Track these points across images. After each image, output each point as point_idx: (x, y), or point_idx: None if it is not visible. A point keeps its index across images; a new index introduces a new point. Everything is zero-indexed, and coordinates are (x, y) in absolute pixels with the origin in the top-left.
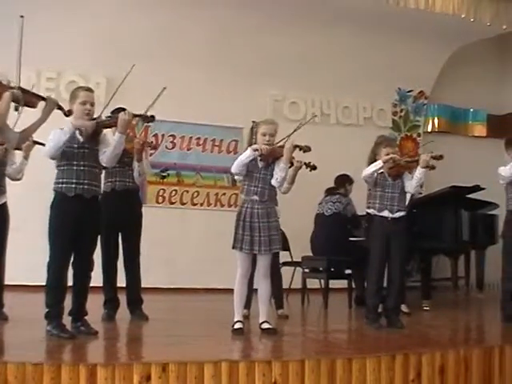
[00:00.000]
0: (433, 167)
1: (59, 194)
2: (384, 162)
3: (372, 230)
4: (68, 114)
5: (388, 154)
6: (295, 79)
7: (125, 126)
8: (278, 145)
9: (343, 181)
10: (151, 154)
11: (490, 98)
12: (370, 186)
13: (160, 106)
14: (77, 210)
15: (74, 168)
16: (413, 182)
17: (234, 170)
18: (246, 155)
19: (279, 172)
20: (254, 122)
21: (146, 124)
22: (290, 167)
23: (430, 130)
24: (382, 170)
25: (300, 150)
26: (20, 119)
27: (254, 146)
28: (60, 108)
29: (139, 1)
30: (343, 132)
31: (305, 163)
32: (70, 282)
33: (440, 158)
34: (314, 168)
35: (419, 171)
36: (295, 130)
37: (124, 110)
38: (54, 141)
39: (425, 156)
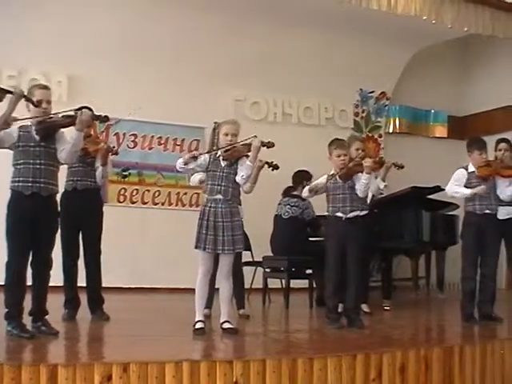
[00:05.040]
0: (401, 166)
1: (16, 192)
2: (310, 191)
3: (327, 230)
4: (37, 104)
5: (339, 156)
6: (257, 79)
7: (83, 124)
8: (242, 143)
9: (301, 179)
10: (112, 155)
11: (450, 99)
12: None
13: (122, 105)
14: (33, 209)
15: (31, 166)
16: (360, 187)
17: (177, 167)
18: (180, 162)
19: (245, 170)
20: (215, 122)
21: (106, 124)
22: None
23: (391, 130)
24: (332, 172)
25: (264, 146)
26: None
27: (192, 155)
28: (28, 99)
29: None
30: (305, 132)
31: (267, 162)
32: (29, 282)
33: (383, 162)
34: (276, 167)
35: (364, 177)
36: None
37: (89, 109)
38: None
39: (368, 162)
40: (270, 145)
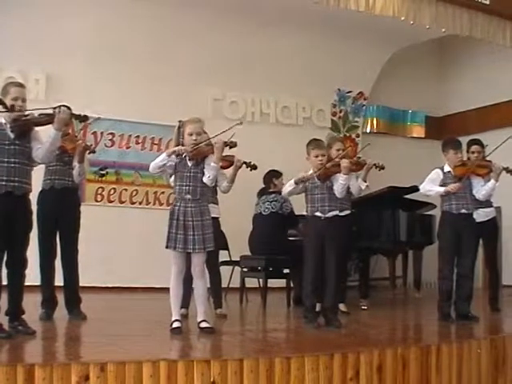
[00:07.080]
0: (382, 167)
1: None
2: (296, 183)
3: (306, 230)
4: (11, 108)
5: (317, 156)
6: (235, 78)
7: (61, 124)
8: (205, 143)
9: (270, 177)
10: (89, 153)
11: (428, 99)
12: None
13: (99, 104)
14: (7, 208)
15: (5, 165)
16: (337, 188)
17: (151, 170)
18: (161, 159)
19: (210, 171)
20: (180, 121)
21: (83, 123)
22: (229, 166)
23: (368, 130)
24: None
25: (227, 145)
26: None
27: (175, 150)
28: (1, 103)
29: None
30: (282, 132)
31: (245, 162)
32: (4, 281)
33: (361, 163)
34: (254, 167)
35: (342, 177)
36: (222, 132)
37: (67, 107)
38: None
39: (345, 163)
40: (232, 145)
